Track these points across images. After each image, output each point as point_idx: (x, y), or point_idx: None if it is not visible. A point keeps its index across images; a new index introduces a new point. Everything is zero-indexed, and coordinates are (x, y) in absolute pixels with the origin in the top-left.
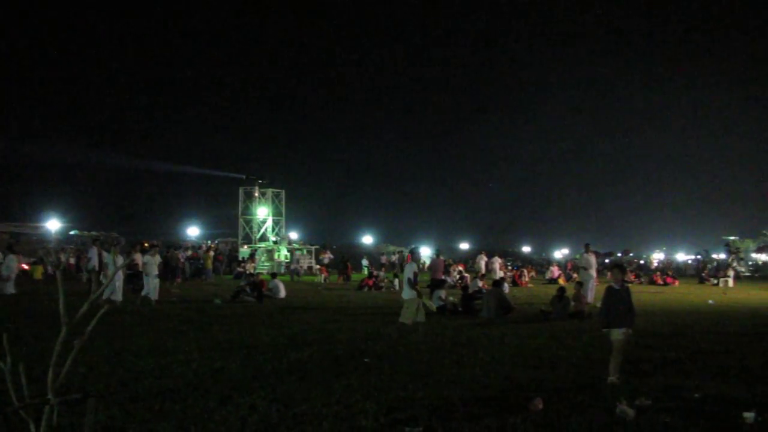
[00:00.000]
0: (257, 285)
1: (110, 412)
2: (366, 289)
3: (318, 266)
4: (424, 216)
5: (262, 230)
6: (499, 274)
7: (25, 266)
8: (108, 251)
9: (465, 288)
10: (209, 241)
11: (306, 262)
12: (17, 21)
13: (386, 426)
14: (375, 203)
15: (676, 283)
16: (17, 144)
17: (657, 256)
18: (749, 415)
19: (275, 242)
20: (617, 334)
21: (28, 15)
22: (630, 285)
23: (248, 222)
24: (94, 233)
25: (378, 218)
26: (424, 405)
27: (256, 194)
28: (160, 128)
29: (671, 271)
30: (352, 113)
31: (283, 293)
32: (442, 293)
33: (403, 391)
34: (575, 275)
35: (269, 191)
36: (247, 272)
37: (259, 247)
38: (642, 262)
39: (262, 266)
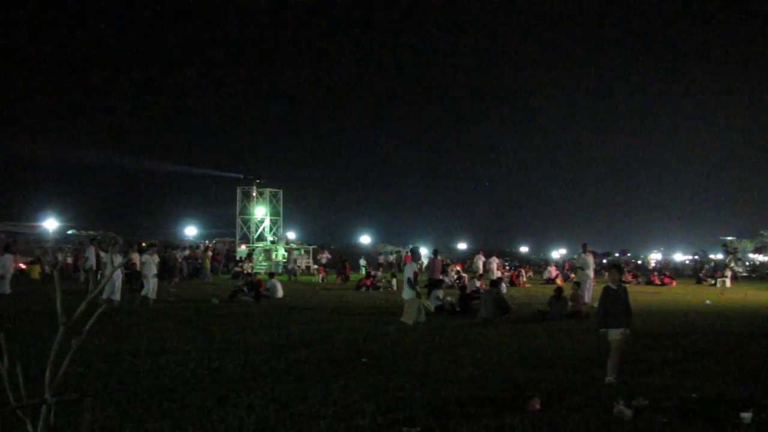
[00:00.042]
0: (255, 285)
1: (108, 412)
2: (364, 289)
3: (316, 266)
4: (421, 216)
5: (260, 230)
6: (497, 274)
7: (23, 266)
8: (105, 251)
9: (463, 288)
10: (207, 241)
11: (304, 262)
12: (17, 21)
13: (384, 426)
14: (373, 203)
15: (674, 283)
16: (15, 143)
17: (654, 257)
18: (746, 415)
19: (273, 242)
20: (615, 335)
21: (27, 15)
22: (627, 285)
23: (246, 222)
24: (91, 233)
25: (376, 218)
26: (421, 405)
27: (254, 194)
28: (158, 128)
29: (669, 271)
30: (350, 113)
31: (280, 293)
32: (440, 293)
33: (401, 391)
34: (573, 275)
35: (267, 191)
36: (245, 272)
37: (257, 247)
38: (639, 262)
39: (260, 266)
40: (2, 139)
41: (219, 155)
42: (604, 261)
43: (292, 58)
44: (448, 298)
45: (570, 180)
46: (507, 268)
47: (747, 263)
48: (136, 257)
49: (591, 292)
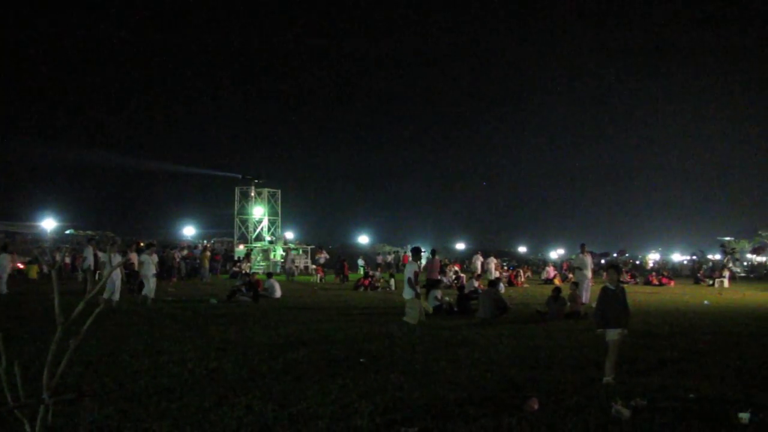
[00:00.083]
0: (253, 285)
1: (106, 412)
2: (362, 289)
3: (314, 266)
4: (420, 216)
5: (258, 230)
6: (495, 274)
7: (21, 265)
8: (104, 251)
9: (461, 288)
10: (205, 241)
11: (302, 262)
12: (17, 20)
13: (382, 426)
14: (371, 203)
15: (672, 283)
16: (13, 143)
17: (653, 257)
18: (744, 416)
19: (271, 242)
20: (612, 335)
21: (27, 15)
22: (625, 285)
23: (244, 222)
24: (89, 233)
25: (374, 218)
26: (420, 405)
27: (252, 194)
28: (156, 128)
29: (667, 271)
30: (348, 114)
31: (278, 293)
32: (438, 293)
33: (399, 392)
34: (571, 275)
35: (265, 191)
36: (243, 272)
37: (255, 247)
38: (638, 262)
39: (258, 266)
40: (0, 138)
41: (217, 155)
42: (603, 261)
43: (290, 58)
44: (447, 298)
45: (568, 180)
46: (505, 268)
47: (745, 263)
48: (134, 257)
49: (589, 293)
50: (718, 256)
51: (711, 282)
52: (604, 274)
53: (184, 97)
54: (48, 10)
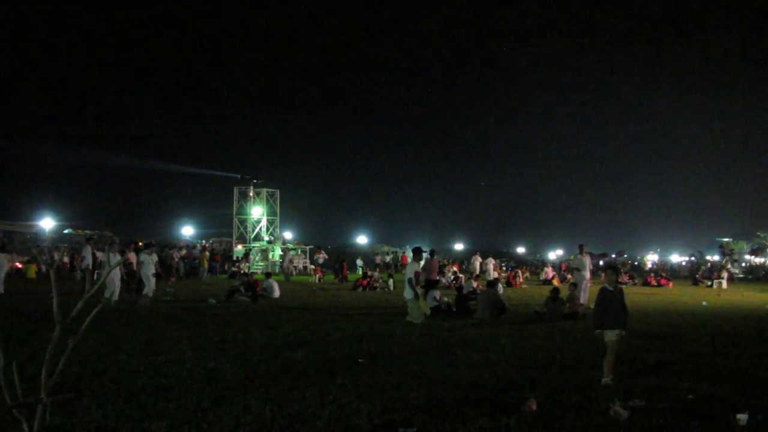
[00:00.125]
0: (252, 285)
1: (103, 411)
2: (360, 289)
3: (312, 266)
4: (418, 216)
5: (257, 230)
6: (494, 274)
7: (19, 265)
8: (102, 250)
9: (459, 288)
10: (203, 241)
11: (300, 262)
12: (16, 20)
13: (380, 426)
14: (370, 204)
15: (670, 284)
16: (11, 142)
17: (651, 258)
18: (742, 417)
19: (269, 242)
20: (611, 336)
21: (27, 14)
22: (624, 286)
23: (243, 222)
24: (88, 232)
25: (373, 219)
26: (418, 405)
27: (251, 194)
28: (155, 128)
29: (665, 272)
30: (347, 114)
31: (277, 293)
32: (437, 294)
33: (397, 392)
34: (569, 276)
35: (264, 191)
36: (242, 272)
37: (254, 247)
38: (636, 263)
39: (257, 266)
40: None
41: (216, 155)
42: (601, 262)
43: (289, 58)
44: (445, 299)
45: (567, 181)
46: (504, 268)
47: (743, 265)
48: (132, 257)
49: (587, 293)
50: (716, 257)
51: (709, 283)
52: (603, 274)
53: (183, 96)
54: (48, 9)
